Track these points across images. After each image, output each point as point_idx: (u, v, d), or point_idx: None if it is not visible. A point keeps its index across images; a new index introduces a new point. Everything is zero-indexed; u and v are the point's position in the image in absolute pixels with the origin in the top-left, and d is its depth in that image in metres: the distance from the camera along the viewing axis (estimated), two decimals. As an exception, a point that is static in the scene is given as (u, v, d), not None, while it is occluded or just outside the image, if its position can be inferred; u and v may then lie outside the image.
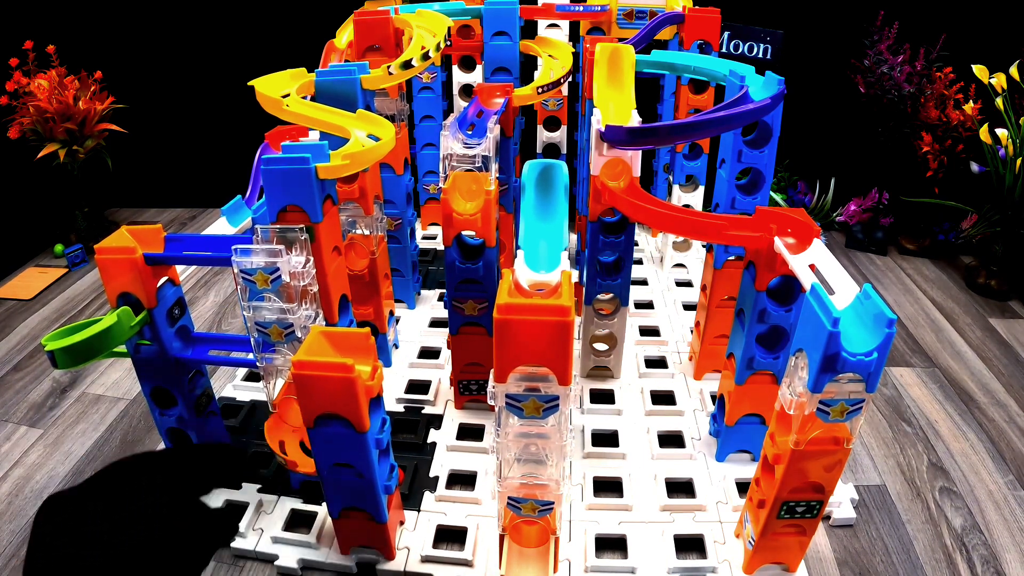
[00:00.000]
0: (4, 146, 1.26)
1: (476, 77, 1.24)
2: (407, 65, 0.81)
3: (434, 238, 1.38)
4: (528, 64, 1.13)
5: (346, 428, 0.59)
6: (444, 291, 1.09)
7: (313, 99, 0.80)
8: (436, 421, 0.90)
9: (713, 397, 0.90)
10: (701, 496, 0.78)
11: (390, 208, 1.03)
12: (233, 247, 0.63)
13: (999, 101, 1.13)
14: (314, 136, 0.84)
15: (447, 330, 0.91)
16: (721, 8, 1.03)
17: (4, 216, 1.36)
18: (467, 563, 0.71)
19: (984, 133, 1.15)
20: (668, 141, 0.78)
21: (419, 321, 1.10)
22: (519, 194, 0.86)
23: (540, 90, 0.92)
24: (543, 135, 1.30)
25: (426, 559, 0.71)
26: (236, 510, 0.76)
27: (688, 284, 1.21)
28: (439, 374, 0.98)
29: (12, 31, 1.28)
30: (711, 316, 0.90)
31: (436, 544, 0.73)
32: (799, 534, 0.65)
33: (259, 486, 0.80)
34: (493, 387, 0.56)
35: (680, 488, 0.80)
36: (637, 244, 1.34)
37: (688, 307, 1.13)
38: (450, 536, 0.75)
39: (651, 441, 0.86)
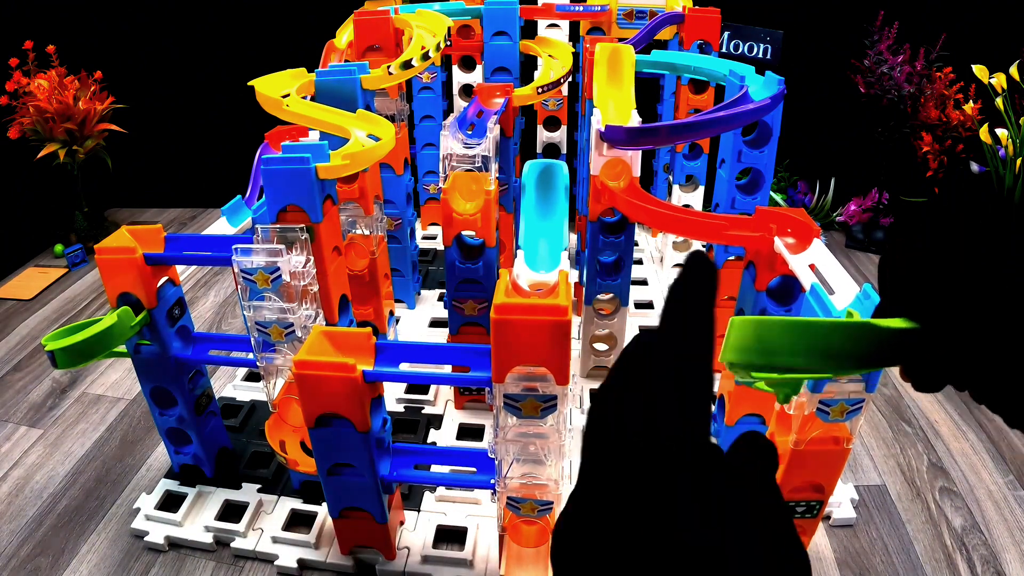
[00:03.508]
0: (4, 146, 1.26)
1: (476, 77, 1.24)
2: (407, 65, 0.81)
3: (434, 238, 1.38)
4: (528, 64, 1.13)
5: (347, 428, 0.59)
6: (444, 291, 1.09)
7: (313, 99, 0.80)
8: (436, 421, 0.90)
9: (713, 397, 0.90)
10: (701, 496, 0.78)
11: (390, 208, 1.03)
12: (233, 247, 0.63)
13: (999, 101, 1.13)
14: (314, 136, 0.84)
15: (447, 330, 0.91)
16: (721, 8, 1.03)
17: (4, 216, 1.36)
18: (467, 563, 0.71)
19: (984, 133, 1.15)
20: (668, 141, 0.78)
21: (419, 321, 1.10)
22: (519, 194, 0.86)
23: (540, 90, 0.92)
24: (543, 135, 1.30)
25: (426, 559, 0.71)
26: None
27: (688, 284, 1.20)
28: (439, 374, 0.98)
29: (12, 31, 1.28)
30: (711, 316, 0.90)
31: (436, 544, 0.73)
32: (799, 534, 0.65)
33: (259, 486, 0.80)
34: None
35: (680, 488, 0.80)
36: (637, 244, 1.34)
37: (688, 307, 1.13)
38: (450, 536, 0.75)
39: (651, 441, 0.86)
